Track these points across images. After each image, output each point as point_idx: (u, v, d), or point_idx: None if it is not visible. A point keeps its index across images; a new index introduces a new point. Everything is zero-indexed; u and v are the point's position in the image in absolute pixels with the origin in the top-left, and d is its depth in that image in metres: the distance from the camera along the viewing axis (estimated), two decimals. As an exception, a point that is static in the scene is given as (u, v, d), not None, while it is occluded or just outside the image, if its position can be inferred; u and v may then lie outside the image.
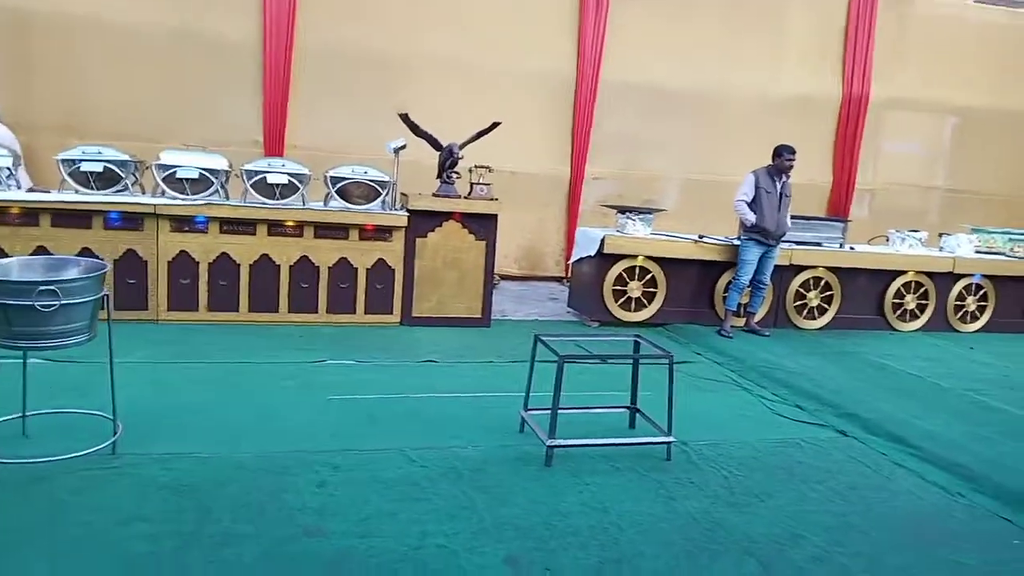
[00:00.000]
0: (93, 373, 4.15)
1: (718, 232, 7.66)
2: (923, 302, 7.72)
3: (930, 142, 10.49)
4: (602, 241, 6.77)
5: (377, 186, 6.20)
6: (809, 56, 9.53)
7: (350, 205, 6.18)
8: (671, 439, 3.96)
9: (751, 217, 6.68)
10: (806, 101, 9.53)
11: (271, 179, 5.98)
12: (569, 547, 3.00)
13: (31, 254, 5.41)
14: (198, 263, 5.91)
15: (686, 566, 2.94)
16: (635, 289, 6.98)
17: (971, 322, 7.92)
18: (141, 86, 7.77)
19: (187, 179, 5.85)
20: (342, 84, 8.13)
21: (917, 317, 7.74)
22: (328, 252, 6.14)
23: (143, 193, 6.06)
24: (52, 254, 5.40)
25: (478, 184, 6.59)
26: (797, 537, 3.24)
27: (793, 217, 7.03)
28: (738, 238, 6.98)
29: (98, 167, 5.75)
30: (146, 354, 5.07)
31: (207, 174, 5.90)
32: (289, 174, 6.02)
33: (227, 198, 6.09)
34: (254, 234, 5.99)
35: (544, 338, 4.10)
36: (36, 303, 3.13)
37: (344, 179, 6.17)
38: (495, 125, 6.46)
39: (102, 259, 5.48)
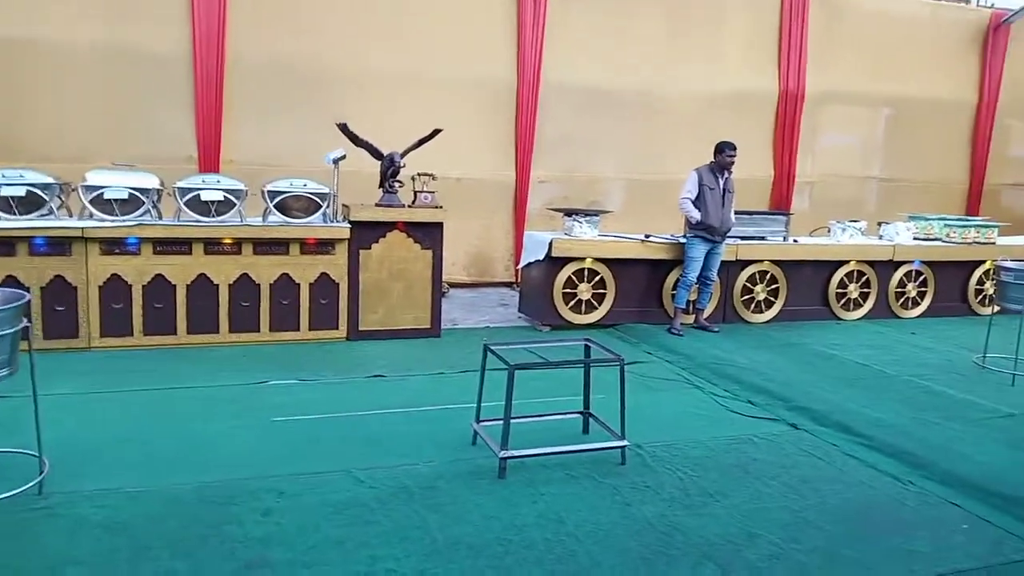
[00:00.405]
0: (17, 408, 3.93)
1: (664, 231, 7.69)
2: (866, 290, 7.87)
3: (865, 133, 10.74)
4: (550, 245, 6.73)
5: (317, 198, 6.05)
6: (746, 52, 9.66)
7: (290, 219, 6.01)
8: (625, 443, 3.92)
9: (696, 215, 6.71)
10: (745, 97, 9.65)
11: (205, 196, 5.78)
12: (524, 563, 2.93)
13: (-50, 285, 5.13)
14: (131, 286, 5.68)
15: (644, 574, 2.89)
16: (585, 291, 6.96)
17: (912, 308, 8.10)
18: (68, 104, 7.48)
19: (116, 199, 5.62)
20: (278, 95, 7.94)
21: (860, 306, 7.88)
22: (269, 268, 5.97)
23: (70, 216, 5.80)
24: (-28, 284, 5.12)
25: (422, 192, 6.48)
26: (753, 536, 3.22)
27: (737, 212, 7.09)
28: (684, 236, 7.01)
29: (20, 191, 5.47)
30: (77, 384, 4.83)
31: (137, 193, 5.68)
32: (224, 190, 5.83)
33: (160, 217, 5.86)
34: (190, 253, 5.78)
35: (494, 347, 4.01)
36: (-54, 340, 2.93)
37: (282, 193, 6.00)
38: (436, 132, 6.37)
39: (27, 287, 5.24)
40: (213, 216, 5.81)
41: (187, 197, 5.76)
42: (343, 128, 6.12)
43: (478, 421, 4.06)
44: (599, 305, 7.04)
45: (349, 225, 6.10)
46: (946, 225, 8.30)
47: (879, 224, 8.34)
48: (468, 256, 8.95)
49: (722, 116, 9.34)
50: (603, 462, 3.91)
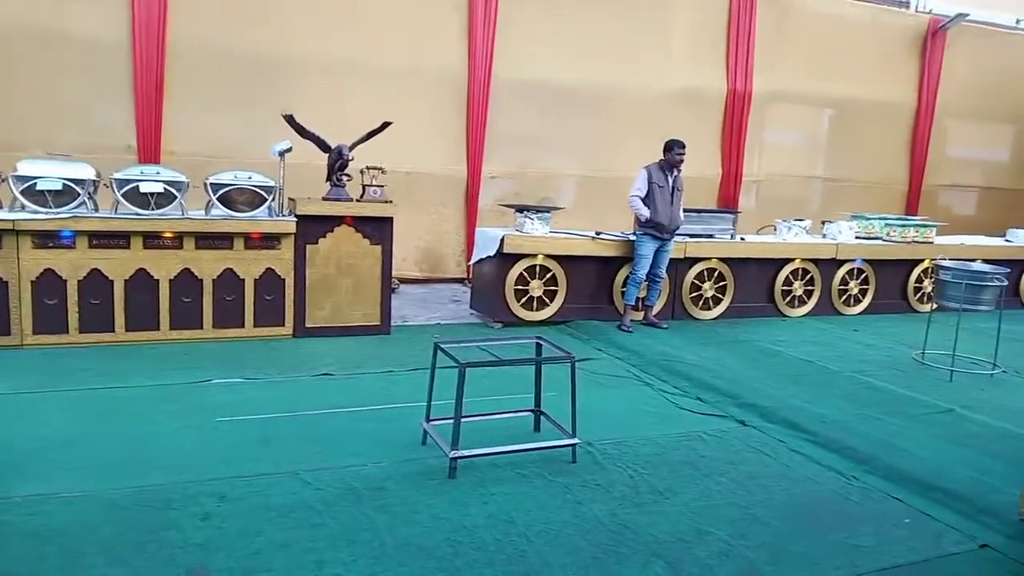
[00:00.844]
0: (-59, 411, 3.73)
1: (615, 228, 7.73)
2: (810, 288, 8.03)
3: (810, 133, 10.97)
4: (502, 241, 6.69)
5: (262, 192, 5.89)
6: (695, 51, 9.76)
7: (234, 213, 5.84)
8: (576, 441, 3.91)
9: (645, 212, 6.75)
10: (694, 95, 9.75)
11: (144, 188, 5.58)
12: (475, 564, 2.89)
13: None
14: (66, 281, 5.45)
15: (594, 573, 2.88)
16: (536, 288, 6.94)
17: (854, 305, 8.30)
18: (0, 92, 7.14)
19: (49, 191, 5.38)
20: (222, 84, 7.72)
21: (805, 303, 8.04)
22: (211, 263, 5.79)
23: (0, 208, 5.54)
24: None
25: (371, 186, 6.37)
26: (702, 533, 3.23)
27: (685, 210, 7.15)
28: (634, 233, 7.05)
29: (-56, 180, 5.21)
30: (8, 384, 4.62)
31: (72, 184, 5.45)
32: (164, 182, 5.64)
33: (96, 210, 5.64)
34: (128, 248, 5.58)
35: (445, 344, 3.96)
36: None
37: (226, 185, 5.83)
38: (386, 125, 6.27)
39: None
40: (152, 209, 5.61)
41: (125, 189, 5.56)
42: (289, 119, 5.97)
43: (428, 420, 4.01)
44: (551, 302, 7.03)
45: (295, 219, 5.96)
46: (887, 224, 8.52)
47: (823, 223, 8.52)
48: (419, 251, 8.86)
49: (672, 114, 9.42)
50: (554, 460, 3.89)
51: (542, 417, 4.27)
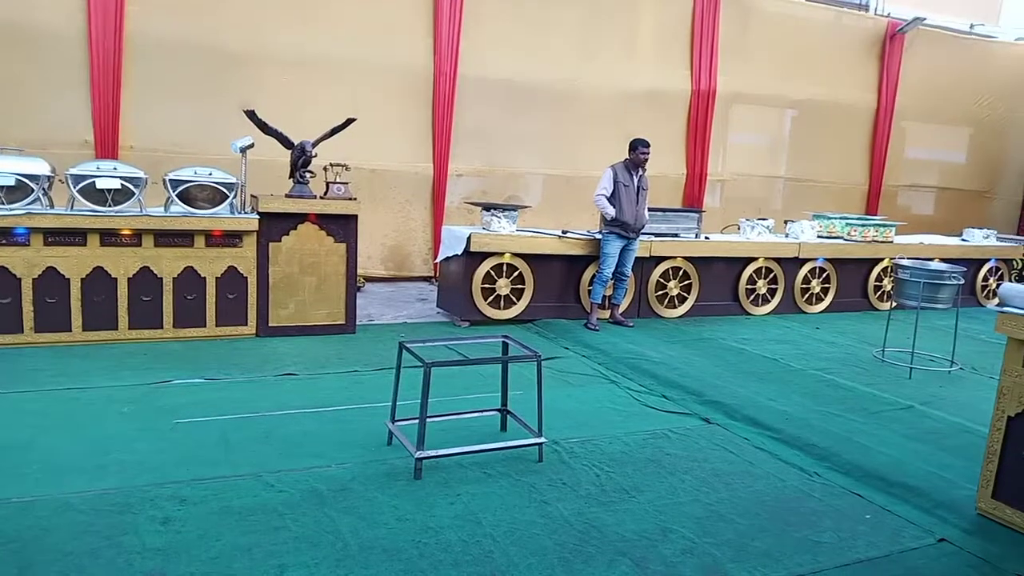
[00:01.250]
0: None
1: (581, 226, 7.75)
2: (773, 286, 8.13)
3: (773, 134, 11.11)
4: (468, 239, 6.66)
5: (223, 188, 5.79)
6: (660, 51, 9.81)
7: (194, 210, 5.73)
8: (542, 440, 3.90)
9: (611, 211, 6.77)
10: (659, 95, 9.81)
11: (101, 184, 5.44)
12: (441, 565, 2.86)
13: None
14: (19, 280, 5.29)
15: (560, 573, 2.87)
16: (503, 287, 6.92)
17: (816, 303, 8.42)
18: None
19: (2, 187, 5.22)
20: (182, 78, 7.55)
21: (768, 301, 8.14)
22: (171, 261, 5.67)
23: (-52, 203, 5.36)
24: None
25: (335, 183, 6.29)
26: (667, 531, 3.25)
27: (651, 209, 7.19)
28: (600, 232, 7.07)
29: None
30: (-44, 386, 4.48)
31: (25, 180, 5.30)
32: (122, 178, 5.50)
33: (51, 206, 5.49)
34: (85, 245, 5.44)
35: (411, 344, 3.92)
36: None
37: (186, 182, 5.71)
38: (350, 121, 6.20)
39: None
40: (110, 206, 5.48)
41: (81, 185, 5.41)
42: (251, 115, 5.87)
43: (393, 420, 3.97)
44: (518, 300, 7.02)
45: (258, 217, 5.87)
46: (847, 224, 8.66)
47: (786, 222, 8.63)
48: (385, 249, 8.78)
49: (637, 113, 9.47)
50: (521, 460, 3.88)
51: (509, 416, 4.26)
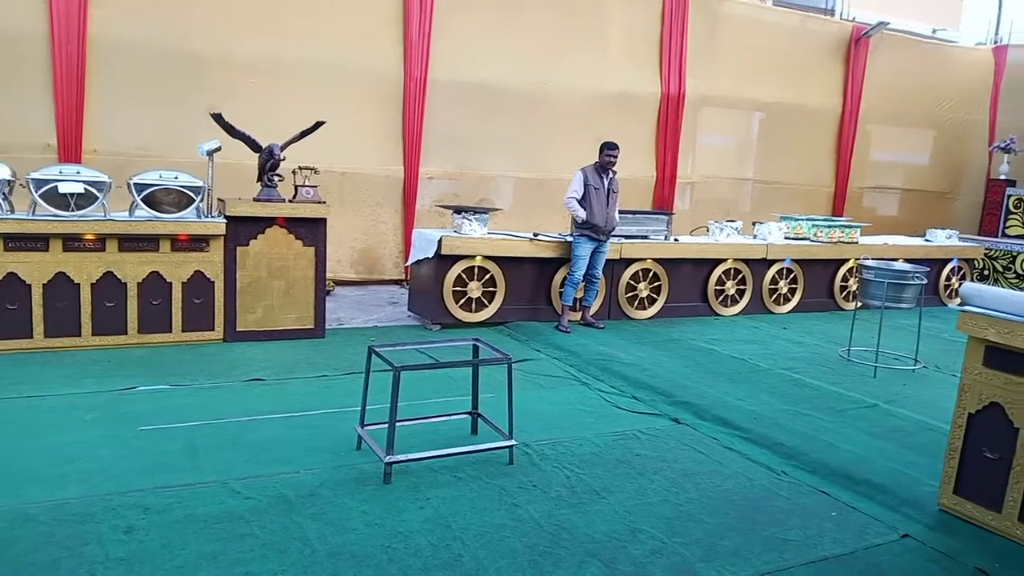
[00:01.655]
0: None
1: (552, 229, 7.76)
2: (742, 287, 8.22)
3: (741, 137, 11.22)
4: (439, 242, 6.65)
5: (189, 192, 5.71)
6: (630, 55, 9.87)
7: (159, 214, 5.65)
8: (513, 443, 3.90)
9: (581, 214, 6.80)
10: (629, 98, 9.86)
11: (63, 188, 5.34)
12: (410, 570, 2.85)
13: None
14: (-22, 286, 5.19)
15: (530, 575, 2.87)
16: (475, 289, 6.92)
17: (784, 304, 8.52)
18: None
19: (-42, 190, 5.11)
20: (147, 82, 7.44)
21: (737, 302, 8.22)
22: (136, 266, 5.59)
23: (-96, 208, 5.23)
24: None
25: (303, 186, 6.24)
26: (637, 531, 3.26)
27: (621, 212, 7.23)
28: (571, 234, 7.09)
29: None
30: (-88, 395, 4.36)
31: (-16, 184, 5.18)
32: (85, 182, 5.41)
33: (12, 211, 5.37)
34: (47, 250, 5.34)
35: (381, 348, 3.90)
36: None
37: (151, 186, 5.63)
38: (319, 124, 6.16)
39: None
40: (72, 210, 5.38)
41: (43, 189, 5.31)
42: (217, 118, 5.80)
43: (363, 425, 3.94)
44: (489, 303, 7.01)
45: (225, 220, 5.80)
46: (814, 225, 8.78)
47: (754, 224, 8.72)
48: (355, 253, 8.72)
49: (608, 117, 9.52)
50: (491, 463, 3.87)
51: (479, 419, 4.25)
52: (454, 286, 6.81)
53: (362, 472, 3.67)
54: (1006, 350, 3.33)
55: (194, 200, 5.74)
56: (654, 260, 7.64)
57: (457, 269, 6.80)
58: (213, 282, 5.83)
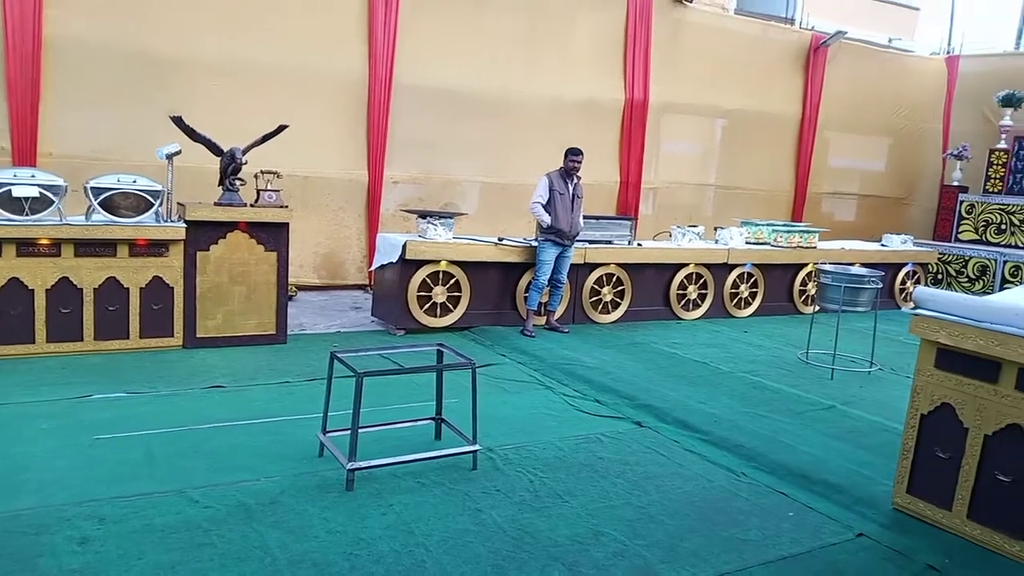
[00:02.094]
0: None
1: (518, 234, 7.79)
2: (703, 291, 8.32)
3: (703, 143, 11.37)
4: (404, 247, 6.63)
5: (148, 196, 5.62)
6: (595, 61, 9.95)
7: (117, 218, 5.55)
8: (476, 447, 3.90)
9: (546, 219, 6.84)
10: (593, 104, 9.94)
11: (18, 192, 5.22)
12: (372, 577, 2.84)
13: None
14: (-73, 292, 5.04)
15: (493, 581, 2.88)
16: (440, 294, 6.91)
17: (745, 308, 8.65)
18: None
19: (-94, 194, 4.97)
20: (105, 84, 7.30)
21: (699, 306, 8.32)
22: (93, 272, 5.48)
23: None
24: None
25: (265, 191, 6.18)
26: (600, 534, 3.29)
27: (586, 217, 7.28)
28: (536, 239, 7.12)
29: None
30: None
31: (-67, 187, 5.05)
32: (40, 186, 5.29)
33: (-38, 215, 5.24)
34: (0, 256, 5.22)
35: (343, 353, 3.88)
36: None
37: (109, 189, 5.53)
38: (282, 128, 6.09)
39: None
40: (27, 214, 5.26)
41: (-5, 193, 5.19)
42: (178, 121, 5.72)
43: (325, 432, 3.91)
44: (454, 308, 7.01)
45: (185, 225, 5.72)
46: (774, 230, 8.93)
47: (715, 229, 8.84)
48: (318, 257, 8.66)
49: (572, 122, 9.58)
50: (455, 468, 3.87)
51: (443, 425, 4.25)
52: (419, 291, 6.80)
53: (324, 479, 3.65)
54: (957, 352, 3.43)
55: (153, 204, 5.65)
56: (618, 265, 7.71)
57: (422, 274, 6.78)
58: (172, 288, 5.75)
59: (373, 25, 8.39)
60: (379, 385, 4.59)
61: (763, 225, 9.02)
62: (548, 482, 3.80)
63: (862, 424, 4.96)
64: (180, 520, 3.15)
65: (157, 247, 5.66)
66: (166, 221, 5.74)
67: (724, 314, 8.47)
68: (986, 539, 3.33)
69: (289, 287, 6.46)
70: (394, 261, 6.75)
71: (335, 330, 6.89)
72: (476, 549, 3.10)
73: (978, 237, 11.12)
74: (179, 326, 5.80)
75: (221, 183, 6.06)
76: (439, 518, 3.34)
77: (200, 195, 6.18)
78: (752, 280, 8.64)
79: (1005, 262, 10.34)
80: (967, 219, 11.30)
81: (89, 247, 5.45)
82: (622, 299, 7.83)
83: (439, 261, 6.84)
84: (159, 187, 5.68)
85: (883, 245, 9.99)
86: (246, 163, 6.03)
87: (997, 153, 11.22)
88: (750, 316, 8.63)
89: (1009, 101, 11.09)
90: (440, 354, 4.17)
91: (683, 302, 8.21)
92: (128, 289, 5.60)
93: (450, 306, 7.00)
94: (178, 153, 5.80)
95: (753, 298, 8.70)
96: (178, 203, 5.91)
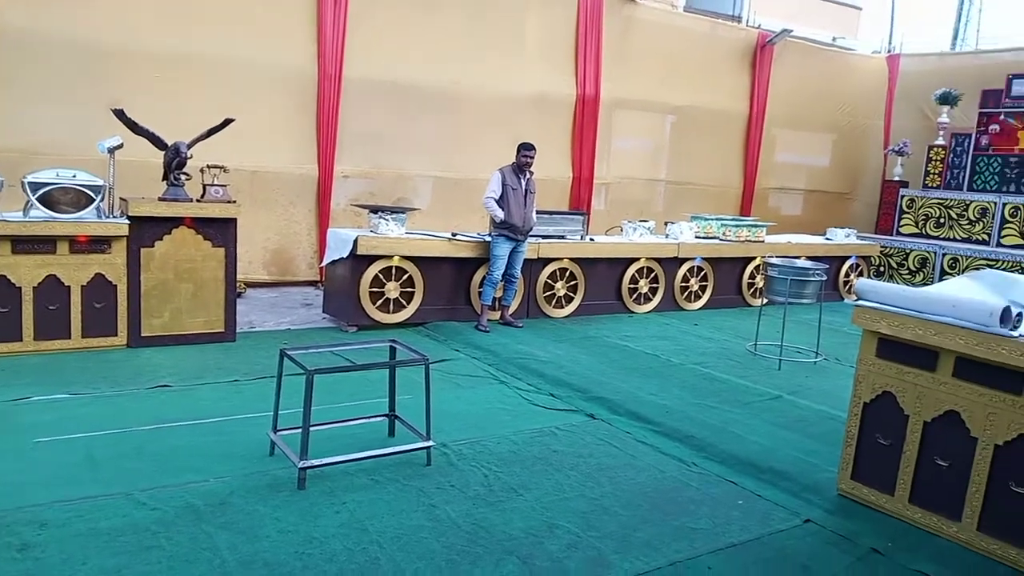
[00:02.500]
0: None
1: (471, 228, 7.77)
2: (654, 285, 8.43)
3: (654, 139, 11.50)
4: (355, 242, 6.56)
5: (89, 191, 5.45)
6: (546, 56, 9.97)
7: (56, 214, 5.37)
8: (430, 443, 3.89)
9: (500, 213, 6.84)
10: (545, 99, 9.96)
11: (-52, 186, 5.02)
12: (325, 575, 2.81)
13: None
14: None
15: (448, 575, 2.88)
16: (393, 290, 6.86)
17: (695, 301, 8.79)
18: None
19: None
20: (43, 76, 7.04)
21: (650, 300, 8.43)
22: (31, 270, 5.29)
23: None
24: None
25: (212, 185, 6.05)
26: (554, 527, 3.31)
27: (538, 212, 7.31)
28: (489, 234, 7.12)
29: None
30: None
31: None
32: (-28, 180, 5.10)
33: None
34: (-70, 253, 5.01)
35: (293, 351, 3.82)
36: None
37: (47, 184, 5.34)
38: (228, 122, 5.97)
39: None
40: (-41, 210, 5.06)
41: (-76, 188, 4.98)
42: (119, 114, 5.56)
43: (275, 430, 3.85)
44: (407, 304, 6.97)
45: (128, 221, 5.56)
46: (723, 225, 9.09)
47: (666, 224, 8.96)
48: (268, 253, 8.51)
49: (525, 117, 9.58)
50: (409, 464, 3.85)
51: (397, 421, 4.22)
52: (371, 287, 6.74)
53: (275, 478, 3.59)
54: (897, 342, 3.53)
55: (94, 199, 5.48)
56: (571, 260, 7.75)
57: (374, 269, 6.72)
58: (115, 285, 5.59)
59: (322, 17, 8.27)
60: (331, 383, 4.55)
61: (712, 220, 9.16)
62: (502, 476, 3.81)
63: (808, 413, 5.09)
64: (126, 523, 3.07)
65: (99, 243, 5.50)
66: (108, 217, 5.58)
67: (675, 307, 8.59)
68: (926, 522, 3.44)
69: (238, 284, 6.35)
70: (345, 257, 6.68)
71: (285, 327, 6.79)
72: (430, 545, 3.09)
73: (918, 230, 11.48)
74: (123, 325, 5.65)
75: (165, 178, 5.91)
76: (393, 515, 3.32)
77: (144, 190, 6.02)
78: (702, 274, 8.77)
79: (944, 254, 10.70)
80: (908, 213, 11.66)
81: (27, 244, 5.27)
82: (575, 293, 7.88)
83: (392, 256, 6.79)
84: (100, 182, 5.52)
85: (828, 239, 10.25)
86: (191, 157, 5.89)
87: (935, 149, 11.59)
88: (700, 309, 8.76)
89: (946, 99, 11.45)
90: (393, 350, 4.14)
91: (635, 296, 8.30)
92: (69, 287, 5.43)
93: (403, 302, 6.95)
94: (120, 147, 5.64)
95: (703, 291, 8.84)
96: (120, 198, 5.75)
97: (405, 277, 6.91)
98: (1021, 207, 10.44)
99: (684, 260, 8.56)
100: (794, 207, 13.01)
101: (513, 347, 6.37)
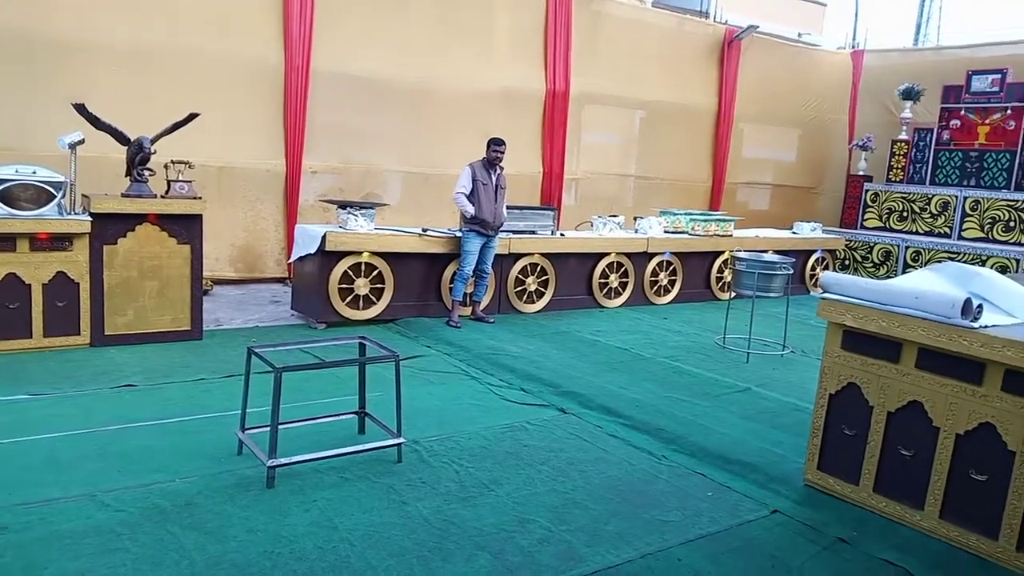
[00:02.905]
0: None
1: (442, 224, 7.74)
2: (624, 280, 8.47)
3: (623, 134, 11.54)
4: (323, 238, 6.50)
5: (49, 187, 5.33)
6: (516, 51, 9.95)
7: (16, 211, 5.25)
8: (401, 440, 3.87)
9: (470, 209, 6.82)
10: (515, 95, 9.95)
11: (-99, 183, 4.88)
12: (295, 575, 2.78)
13: None
14: None
15: (419, 572, 2.86)
16: (362, 286, 6.81)
17: (664, 295, 8.85)
18: None
19: None
20: (2, 68, 6.88)
21: (620, 294, 8.47)
22: (-11, 268, 5.18)
23: None
24: None
25: (176, 181, 5.95)
26: (525, 521, 3.32)
27: (509, 207, 7.30)
28: (460, 230, 7.10)
29: None
30: None
31: None
32: (-74, 176, 4.96)
33: None
34: None
35: (261, 348, 3.78)
36: None
37: (6, 181, 5.22)
38: (193, 116, 5.87)
39: None
40: (-88, 207, 4.92)
41: None
42: (81, 109, 5.44)
43: (243, 429, 3.81)
44: (377, 300, 6.92)
45: (90, 218, 5.45)
46: (692, 219, 9.16)
47: (635, 218, 9.00)
48: (235, 250, 8.40)
49: (494, 112, 9.57)
50: (379, 461, 3.83)
51: (367, 418, 4.20)
52: (340, 283, 6.68)
53: (243, 477, 3.55)
54: (861, 334, 3.59)
55: (55, 196, 5.37)
56: (541, 255, 7.76)
57: (343, 266, 6.67)
58: (78, 283, 5.48)
59: (289, 10, 8.16)
60: (300, 380, 4.52)
61: (681, 214, 9.23)
62: (474, 472, 3.80)
63: (776, 405, 5.15)
64: (90, 525, 3.02)
65: (60, 241, 5.38)
66: (69, 214, 5.47)
67: (644, 301, 8.65)
68: (891, 511, 3.51)
69: (204, 281, 6.25)
70: (313, 253, 6.62)
71: (253, 325, 6.71)
72: (401, 542, 3.08)
73: (882, 224, 11.68)
74: (86, 323, 5.54)
75: (128, 174, 5.80)
76: (363, 512, 3.30)
77: (106, 186, 5.90)
78: (671, 268, 8.84)
79: (907, 248, 10.91)
80: (872, 207, 11.85)
81: (-15, 242, 5.15)
82: (546, 288, 7.89)
83: (361, 252, 6.74)
84: (61, 178, 5.40)
85: (794, 233, 10.37)
86: (155, 153, 5.79)
87: (899, 144, 11.79)
88: (669, 303, 8.83)
89: (909, 94, 11.66)
90: (363, 347, 4.11)
91: (605, 290, 8.34)
92: (30, 285, 5.31)
93: (373, 298, 6.91)
94: (81, 142, 5.53)
95: (672, 285, 8.91)
96: (82, 195, 5.64)
97: (375, 273, 6.86)
98: (981, 201, 10.67)
99: (653, 255, 8.61)
100: (762, 202, 13.15)
101: (484, 343, 6.37)
